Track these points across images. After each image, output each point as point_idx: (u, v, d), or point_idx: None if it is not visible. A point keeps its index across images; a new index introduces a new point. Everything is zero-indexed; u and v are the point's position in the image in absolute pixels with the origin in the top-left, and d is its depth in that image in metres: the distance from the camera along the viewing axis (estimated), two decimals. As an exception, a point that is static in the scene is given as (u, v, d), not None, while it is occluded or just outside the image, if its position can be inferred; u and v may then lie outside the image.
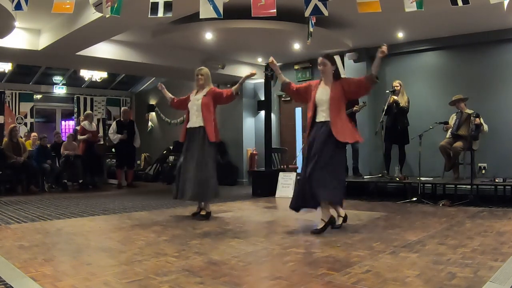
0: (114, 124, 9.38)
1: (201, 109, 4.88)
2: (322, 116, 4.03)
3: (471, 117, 6.33)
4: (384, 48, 3.87)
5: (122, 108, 10.08)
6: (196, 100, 4.97)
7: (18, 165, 7.96)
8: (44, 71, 11.43)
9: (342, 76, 4.30)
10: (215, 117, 4.99)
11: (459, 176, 6.66)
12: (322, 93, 4.07)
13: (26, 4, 3.91)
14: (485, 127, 6.42)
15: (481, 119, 6.37)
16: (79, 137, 9.18)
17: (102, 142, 9.58)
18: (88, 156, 9.03)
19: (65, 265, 2.90)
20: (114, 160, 9.95)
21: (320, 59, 4.14)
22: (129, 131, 9.20)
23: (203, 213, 4.96)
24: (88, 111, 10.50)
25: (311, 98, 4.13)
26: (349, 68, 8.34)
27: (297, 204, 4.14)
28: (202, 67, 5.23)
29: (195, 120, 4.92)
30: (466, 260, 2.85)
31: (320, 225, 3.94)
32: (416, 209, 5.51)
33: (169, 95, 5.40)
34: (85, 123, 9.29)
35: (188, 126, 5.00)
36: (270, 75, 8.40)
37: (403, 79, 7.29)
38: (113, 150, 10.12)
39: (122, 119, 9.36)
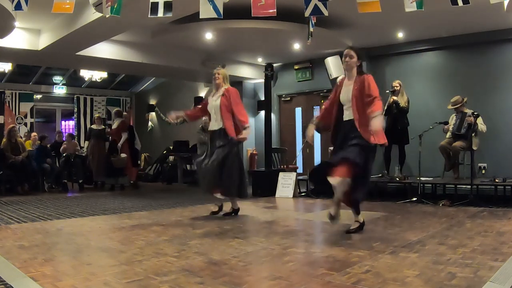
0: None
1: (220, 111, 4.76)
2: (347, 115, 3.73)
3: (466, 116, 6.34)
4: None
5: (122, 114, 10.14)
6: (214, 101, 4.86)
7: (17, 164, 7.93)
8: (44, 71, 11.43)
9: (341, 77, 4.23)
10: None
11: (459, 176, 6.66)
12: (348, 90, 3.74)
13: (26, 4, 3.91)
14: (482, 127, 6.40)
15: (480, 119, 6.36)
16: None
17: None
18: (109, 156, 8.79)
19: (65, 265, 2.90)
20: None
21: (346, 51, 3.77)
22: (129, 135, 9.19)
23: (229, 210, 4.98)
24: (97, 114, 10.24)
25: (336, 96, 3.84)
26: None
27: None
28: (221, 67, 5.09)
29: (214, 123, 4.85)
30: (466, 260, 2.85)
31: (354, 226, 3.86)
32: (416, 209, 5.51)
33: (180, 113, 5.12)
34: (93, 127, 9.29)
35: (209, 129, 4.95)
36: (270, 75, 8.40)
37: (403, 79, 7.29)
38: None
39: None
